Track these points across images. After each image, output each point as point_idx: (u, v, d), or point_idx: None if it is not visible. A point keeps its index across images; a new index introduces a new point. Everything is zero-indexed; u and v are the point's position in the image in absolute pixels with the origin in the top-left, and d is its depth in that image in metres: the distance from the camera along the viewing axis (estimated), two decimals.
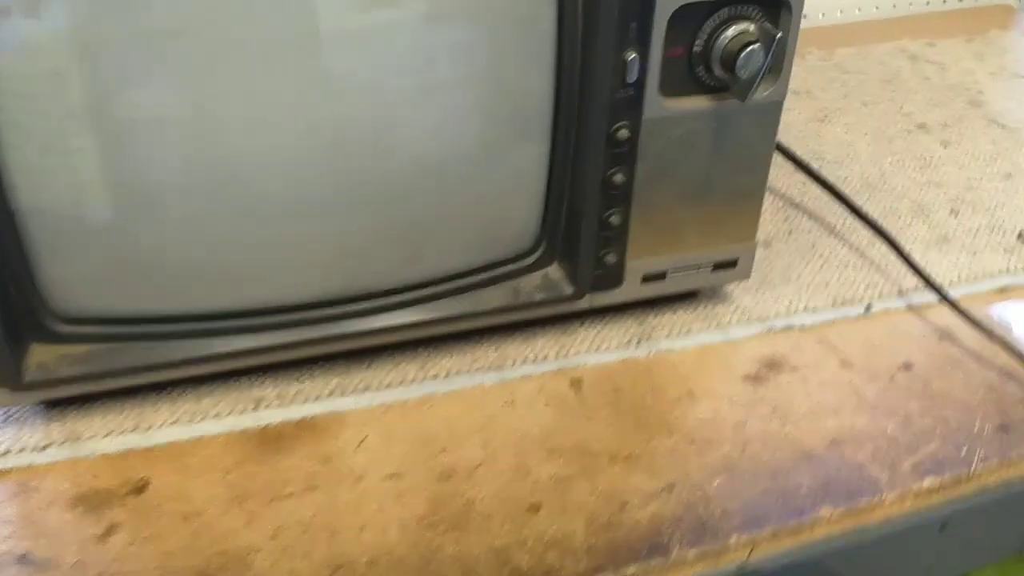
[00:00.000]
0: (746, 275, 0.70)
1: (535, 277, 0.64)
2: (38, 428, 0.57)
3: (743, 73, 0.57)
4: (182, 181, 0.53)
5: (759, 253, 0.78)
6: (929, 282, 0.71)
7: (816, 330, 0.71)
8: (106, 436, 0.57)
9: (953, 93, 1.04)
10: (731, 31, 0.58)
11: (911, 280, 0.74)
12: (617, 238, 0.63)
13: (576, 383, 0.65)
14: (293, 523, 0.54)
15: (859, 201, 0.84)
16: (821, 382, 0.66)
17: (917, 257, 0.77)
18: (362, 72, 0.54)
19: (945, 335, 0.70)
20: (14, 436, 0.57)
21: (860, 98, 1.03)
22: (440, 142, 0.57)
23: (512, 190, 0.60)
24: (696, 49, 0.58)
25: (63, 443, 0.57)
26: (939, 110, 1.01)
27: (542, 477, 0.58)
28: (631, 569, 0.53)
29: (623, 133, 0.59)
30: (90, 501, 0.54)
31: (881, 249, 0.77)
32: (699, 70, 0.59)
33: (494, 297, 0.63)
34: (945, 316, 0.71)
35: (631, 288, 0.67)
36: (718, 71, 0.59)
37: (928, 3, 1.26)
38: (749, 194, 0.65)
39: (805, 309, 0.72)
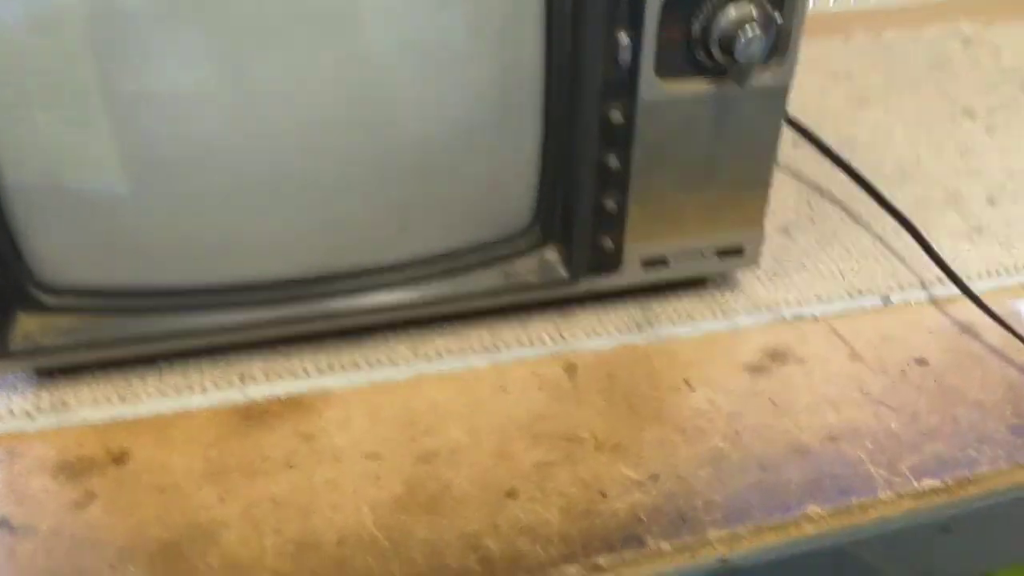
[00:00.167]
0: (754, 263, 0.67)
1: (530, 260, 0.63)
2: (29, 395, 0.59)
3: (742, 57, 0.55)
4: (168, 157, 0.53)
5: (776, 240, 0.75)
6: (951, 273, 0.67)
7: (828, 321, 0.67)
8: (94, 406, 0.58)
9: (1005, 78, 0.98)
10: (732, 12, 0.55)
11: (935, 272, 0.70)
12: (613, 223, 0.61)
13: (571, 368, 0.64)
14: (266, 500, 0.54)
15: (890, 188, 0.80)
16: (826, 375, 0.63)
17: (946, 248, 0.73)
18: (349, 50, 0.53)
19: (966, 330, 0.66)
20: (5, 402, 0.58)
21: (904, 82, 0.98)
22: (426, 120, 0.56)
23: (503, 171, 0.59)
24: (695, 31, 0.56)
25: (51, 411, 0.58)
26: (988, 95, 0.95)
27: (524, 463, 0.57)
28: (601, 559, 0.51)
29: (616, 116, 0.57)
30: (72, 469, 0.55)
31: (907, 239, 0.73)
32: (698, 52, 0.57)
33: (486, 279, 0.62)
34: (968, 310, 0.67)
35: (631, 273, 0.65)
36: (718, 54, 0.56)
37: None
38: (754, 181, 0.63)
39: (818, 299, 0.69)
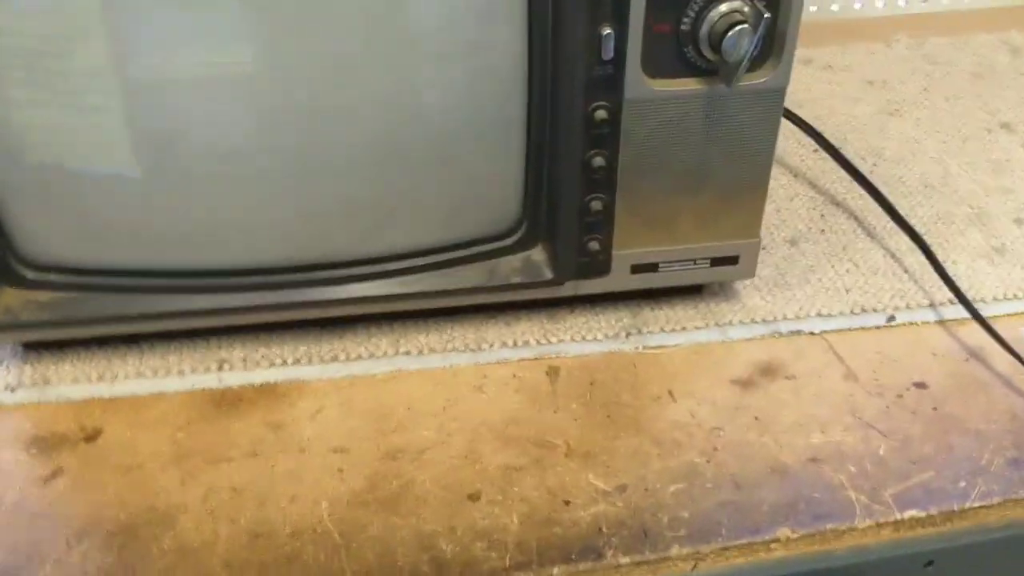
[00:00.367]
0: (750, 274, 0.65)
1: (515, 259, 0.62)
2: (13, 369, 0.60)
3: (730, 56, 0.53)
4: (153, 142, 0.54)
5: (782, 251, 0.72)
6: (959, 294, 0.64)
7: (826, 338, 0.65)
8: (73, 383, 0.59)
9: None
10: (722, 8, 0.53)
11: (946, 292, 0.66)
12: (600, 224, 0.60)
13: (553, 372, 0.62)
14: (226, 487, 0.54)
15: (911, 203, 0.77)
16: (817, 393, 0.60)
17: (962, 268, 0.70)
18: (332, 40, 0.53)
19: (973, 355, 0.63)
20: None
21: (942, 92, 0.94)
22: (410, 114, 0.55)
23: (486, 168, 0.58)
24: (684, 26, 0.54)
25: (32, 386, 0.59)
26: None
27: (491, 466, 0.56)
28: (555, 570, 0.50)
29: (601, 114, 0.55)
30: (44, 443, 0.56)
31: (920, 256, 0.69)
32: (687, 50, 0.55)
33: (469, 276, 0.61)
34: (978, 335, 0.63)
35: (619, 278, 0.63)
36: (707, 51, 0.54)
37: None
38: (750, 187, 0.60)
39: (819, 314, 0.66)
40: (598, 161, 0.57)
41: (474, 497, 0.54)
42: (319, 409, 0.59)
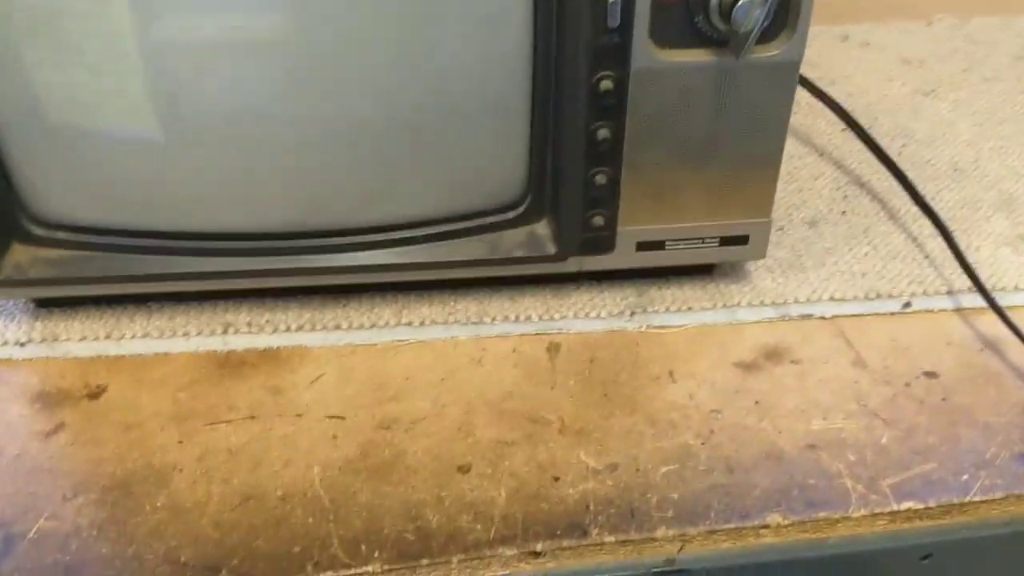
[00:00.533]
0: (760, 255, 0.63)
1: (519, 233, 0.61)
2: (24, 325, 0.61)
3: (740, 26, 0.51)
4: (166, 105, 0.54)
5: (799, 232, 0.71)
6: (977, 282, 0.62)
7: (837, 322, 0.63)
8: (81, 340, 0.60)
9: None
10: None
11: (966, 280, 0.64)
12: (605, 199, 0.59)
13: (553, 348, 0.62)
14: (223, 448, 0.55)
15: (938, 187, 0.75)
16: (822, 379, 0.59)
17: (984, 255, 0.67)
18: (342, 8, 0.52)
19: (989, 345, 0.61)
20: (0, 330, 0.61)
21: (981, 73, 0.90)
22: (412, 83, 0.55)
23: (490, 139, 0.57)
24: None
25: (41, 342, 0.60)
26: None
27: (483, 439, 0.56)
28: (540, 545, 0.50)
29: (606, 84, 0.54)
30: (49, 399, 0.57)
31: (941, 243, 0.67)
32: (698, 19, 0.53)
33: (471, 248, 0.61)
34: (995, 325, 0.61)
35: (624, 256, 0.62)
36: (717, 21, 0.53)
37: None
38: (761, 164, 0.59)
39: (831, 298, 0.65)
40: (603, 133, 0.56)
41: (464, 469, 0.54)
42: (319, 376, 0.60)
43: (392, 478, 0.53)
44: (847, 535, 0.51)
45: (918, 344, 0.61)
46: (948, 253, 0.66)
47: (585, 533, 0.50)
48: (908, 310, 0.64)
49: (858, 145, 0.77)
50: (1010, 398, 0.57)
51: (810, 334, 0.63)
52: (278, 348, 0.61)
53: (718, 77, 0.55)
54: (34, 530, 0.50)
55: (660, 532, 0.50)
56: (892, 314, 0.64)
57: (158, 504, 0.51)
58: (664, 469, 0.54)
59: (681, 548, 0.50)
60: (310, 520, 0.51)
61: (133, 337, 0.61)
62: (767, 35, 0.54)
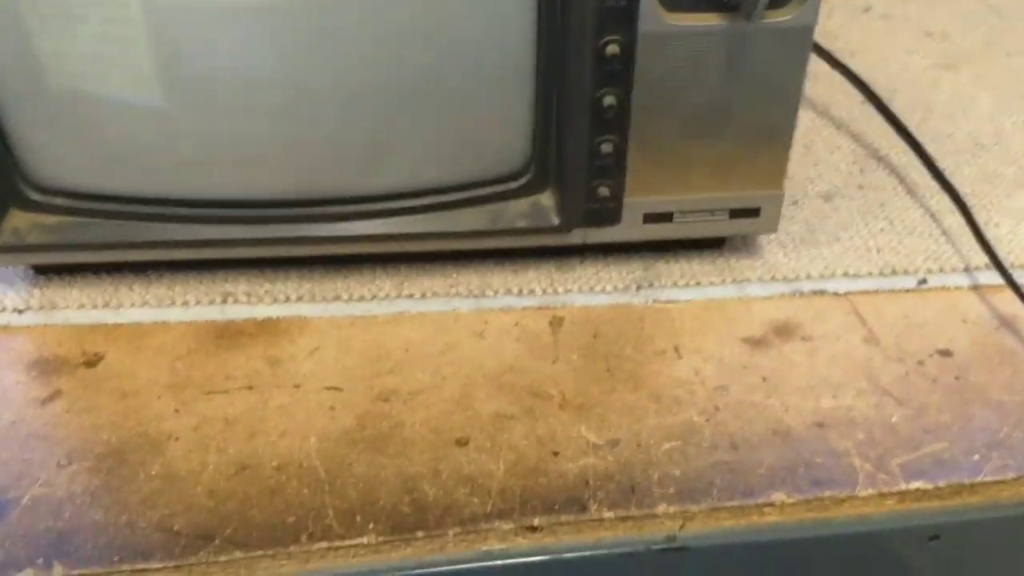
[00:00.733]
0: (771, 228, 0.62)
1: (522, 203, 0.60)
2: (23, 292, 0.61)
3: None
4: (161, 69, 0.53)
5: (814, 205, 0.69)
6: (995, 258, 0.60)
7: (850, 298, 0.62)
8: (79, 308, 0.60)
9: None
10: None
11: (983, 257, 0.62)
12: (611, 169, 0.57)
13: (556, 322, 0.61)
14: (219, 418, 0.54)
15: (957, 161, 0.73)
16: (832, 356, 0.57)
17: (1004, 231, 0.65)
18: None
19: (1005, 323, 0.59)
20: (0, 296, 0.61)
21: (1005, 46, 0.87)
22: (414, 49, 0.54)
23: (492, 105, 0.56)
24: None
25: (40, 309, 0.60)
26: None
27: (482, 412, 0.55)
28: (537, 519, 0.49)
29: (612, 48, 0.53)
30: (46, 366, 0.57)
31: (959, 218, 0.65)
32: None
33: (473, 218, 0.60)
34: (1012, 303, 0.59)
35: (631, 228, 0.61)
36: None
37: None
38: (773, 134, 0.57)
39: (845, 274, 0.63)
40: (609, 100, 0.55)
41: (462, 442, 0.53)
42: (317, 347, 0.59)
43: (389, 450, 0.53)
44: (854, 514, 0.50)
45: (932, 321, 0.60)
46: (966, 229, 0.64)
47: (584, 508, 0.49)
48: (924, 287, 0.62)
49: (877, 118, 0.75)
50: None
51: (822, 310, 0.61)
52: (277, 318, 0.61)
53: (729, 42, 0.53)
54: (27, 496, 0.50)
55: (661, 508, 0.49)
56: (907, 291, 0.62)
57: (152, 472, 0.51)
58: (666, 445, 0.52)
59: (682, 525, 0.49)
60: (305, 491, 0.50)
61: (131, 306, 0.60)
62: None
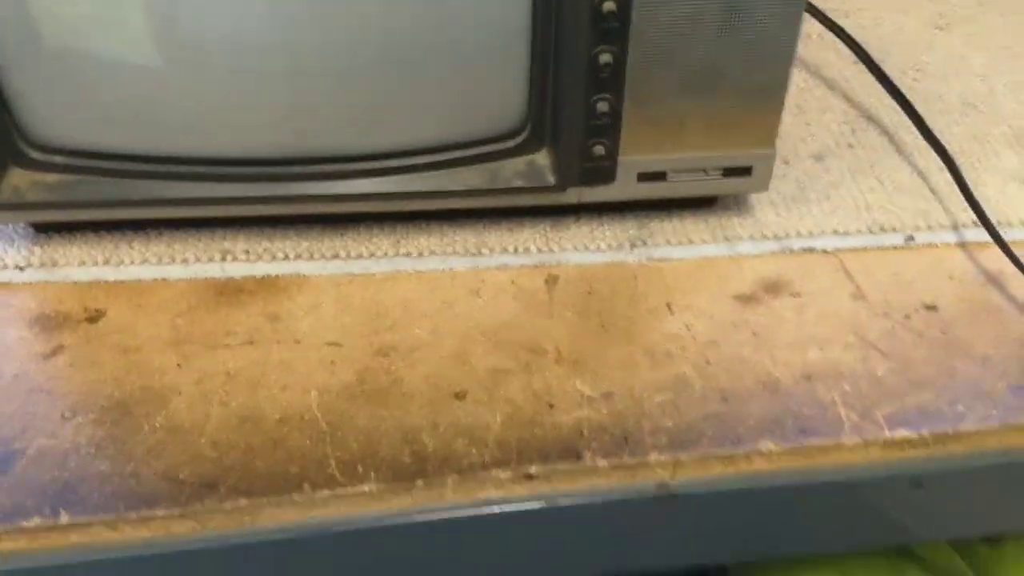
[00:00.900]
0: (763, 187, 0.62)
1: (518, 162, 0.61)
2: (23, 250, 0.61)
3: None
4: (160, 27, 0.54)
5: (806, 165, 0.70)
6: (982, 215, 0.61)
7: (839, 256, 0.63)
8: (80, 265, 0.60)
9: None
10: None
11: (971, 214, 0.63)
12: (606, 128, 0.58)
13: (552, 280, 0.62)
14: (221, 372, 0.55)
15: (947, 120, 0.73)
16: (821, 312, 0.59)
17: (991, 190, 0.66)
18: None
19: (991, 280, 0.60)
20: (0, 253, 0.61)
21: (998, 7, 0.88)
22: (407, 6, 0.54)
23: (487, 64, 0.56)
24: None
25: (41, 266, 0.60)
26: None
27: (479, 367, 0.56)
28: (533, 468, 0.50)
29: (609, 5, 0.53)
30: (47, 322, 0.58)
31: (947, 176, 0.66)
32: None
33: (469, 177, 0.60)
34: (998, 259, 0.61)
35: (625, 187, 0.61)
36: None
37: None
38: (766, 93, 0.58)
39: (834, 232, 0.64)
40: (605, 58, 0.55)
41: (460, 396, 0.54)
42: (316, 304, 0.60)
43: (389, 403, 0.54)
44: (839, 463, 0.51)
45: (919, 278, 0.61)
46: (953, 187, 0.65)
47: (579, 457, 0.51)
48: (911, 244, 0.63)
49: (869, 79, 0.75)
50: (1010, 332, 0.57)
51: (811, 268, 0.62)
52: (276, 276, 0.61)
53: (724, 1, 0.54)
54: (33, 448, 0.51)
55: (652, 457, 0.51)
56: (895, 248, 0.63)
57: (156, 424, 0.52)
58: (659, 398, 0.54)
59: (673, 473, 0.51)
60: (307, 442, 0.52)
61: (132, 263, 0.61)
62: None
